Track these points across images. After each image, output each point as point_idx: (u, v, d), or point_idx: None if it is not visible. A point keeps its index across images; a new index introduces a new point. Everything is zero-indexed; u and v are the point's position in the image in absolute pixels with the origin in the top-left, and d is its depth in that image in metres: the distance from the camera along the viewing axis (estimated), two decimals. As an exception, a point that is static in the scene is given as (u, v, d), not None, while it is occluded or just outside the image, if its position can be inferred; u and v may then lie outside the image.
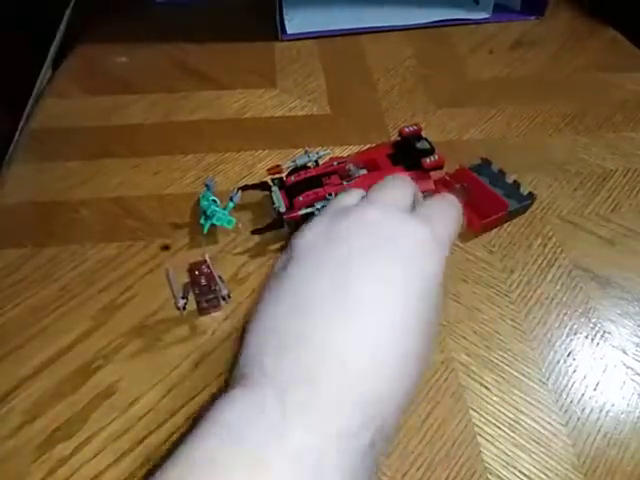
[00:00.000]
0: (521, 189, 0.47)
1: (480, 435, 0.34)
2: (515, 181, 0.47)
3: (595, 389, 0.36)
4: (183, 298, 0.37)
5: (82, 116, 0.56)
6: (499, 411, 0.35)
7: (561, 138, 0.54)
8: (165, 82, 0.61)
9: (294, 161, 0.46)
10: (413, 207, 0.32)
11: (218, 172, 0.50)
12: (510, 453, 0.33)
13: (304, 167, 0.46)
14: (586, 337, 0.39)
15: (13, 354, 0.37)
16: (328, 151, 0.48)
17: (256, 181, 0.47)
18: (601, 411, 0.35)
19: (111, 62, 0.64)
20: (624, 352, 0.38)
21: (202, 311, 0.39)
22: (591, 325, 0.39)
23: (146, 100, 0.58)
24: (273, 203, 0.44)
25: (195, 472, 0.20)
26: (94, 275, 0.42)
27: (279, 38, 0.67)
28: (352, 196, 0.33)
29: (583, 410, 0.35)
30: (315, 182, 0.44)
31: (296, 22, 0.68)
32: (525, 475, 0.32)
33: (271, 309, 0.26)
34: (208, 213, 0.43)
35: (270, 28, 0.67)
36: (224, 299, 0.38)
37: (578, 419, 0.35)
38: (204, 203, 0.44)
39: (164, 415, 0.34)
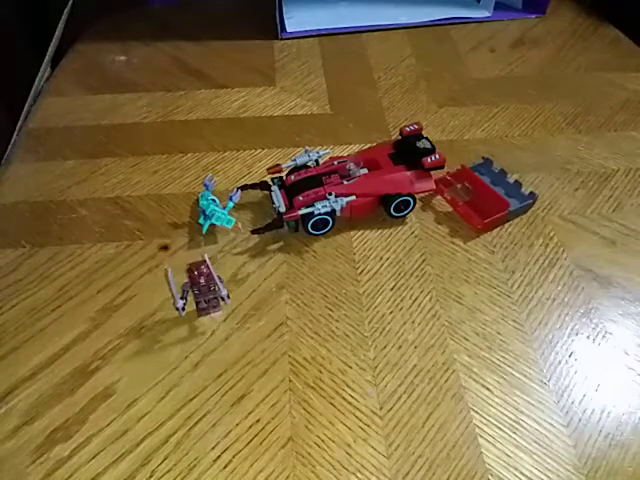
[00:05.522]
0: (522, 189, 0.46)
1: (481, 436, 0.33)
2: (516, 180, 0.47)
3: (596, 390, 0.36)
4: (182, 299, 0.37)
5: (80, 115, 0.56)
6: (500, 412, 0.35)
7: (563, 137, 0.54)
8: (164, 81, 0.61)
9: (294, 160, 0.46)
10: None
11: (217, 171, 0.50)
12: (511, 454, 0.33)
13: (304, 166, 0.45)
14: (587, 338, 0.38)
15: (11, 355, 0.37)
16: (328, 150, 0.48)
17: (256, 180, 0.47)
18: (602, 412, 0.35)
19: (110, 61, 0.64)
20: (626, 353, 0.38)
21: (201, 312, 0.39)
22: (592, 326, 0.39)
23: (145, 99, 0.58)
24: (273, 203, 0.43)
25: None
26: (92, 275, 0.41)
27: (279, 36, 0.67)
28: None
29: (584, 411, 0.35)
30: (315, 181, 0.43)
31: (296, 20, 0.68)
32: (526, 476, 0.32)
33: None
34: (207, 213, 0.42)
35: (270, 26, 0.67)
36: (223, 299, 0.38)
37: (579, 420, 0.34)
38: (203, 202, 0.43)
39: (163, 416, 0.34)
